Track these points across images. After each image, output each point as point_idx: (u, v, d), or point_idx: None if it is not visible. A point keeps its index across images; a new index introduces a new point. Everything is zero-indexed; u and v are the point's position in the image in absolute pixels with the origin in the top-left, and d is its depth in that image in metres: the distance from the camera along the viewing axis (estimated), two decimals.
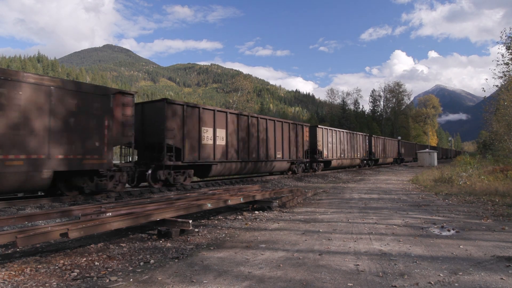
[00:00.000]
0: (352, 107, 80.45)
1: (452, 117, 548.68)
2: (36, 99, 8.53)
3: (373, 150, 34.39)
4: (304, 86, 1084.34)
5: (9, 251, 4.81)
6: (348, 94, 79.72)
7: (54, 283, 3.54)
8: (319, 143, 23.50)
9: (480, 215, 7.51)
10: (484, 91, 23.40)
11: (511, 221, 6.77)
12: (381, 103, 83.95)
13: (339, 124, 64.87)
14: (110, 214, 5.67)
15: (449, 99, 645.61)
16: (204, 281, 3.56)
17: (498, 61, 21.55)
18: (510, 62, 21.15)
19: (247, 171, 17.10)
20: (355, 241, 5.23)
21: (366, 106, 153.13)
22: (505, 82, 22.55)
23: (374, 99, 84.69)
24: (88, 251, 4.79)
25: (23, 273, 3.83)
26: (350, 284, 3.42)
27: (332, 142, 25.41)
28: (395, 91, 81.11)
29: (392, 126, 78.89)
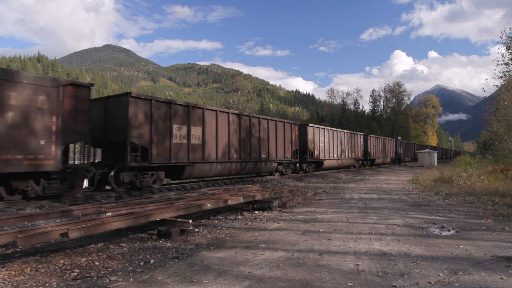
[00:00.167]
0: (352, 107, 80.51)
1: (452, 117, 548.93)
2: None
3: (369, 150, 33.64)
4: (304, 86, 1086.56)
5: (9, 251, 4.81)
6: (348, 94, 79.76)
7: (54, 283, 3.54)
8: (310, 143, 22.38)
9: (480, 215, 7.51)
10: (484, 91, 23.46)
11: (511, 221, 6.77)
12: (381, 103, 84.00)
13: (339, 124, 64.87)
14: (110, 214, 5.68)
15: (449, 99, 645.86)
16: (204, 281, 3.56)
17: (498, 61, 21.61)
18: (510, 62, 21.18)
19: (228, 173, 15.82)
20: (355, 241, 5.23)
21: (366, 106, 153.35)
22: (505, 82, 22.58)
23: (374, 99, 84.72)
24: (88, 251, 4.79)
25: (23, 273, 3.83)
26: (350, 284, 3.42)
27: (324, 141, 24.43)
28: (395, 91, 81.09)
29: (392, 126, 78.86)
